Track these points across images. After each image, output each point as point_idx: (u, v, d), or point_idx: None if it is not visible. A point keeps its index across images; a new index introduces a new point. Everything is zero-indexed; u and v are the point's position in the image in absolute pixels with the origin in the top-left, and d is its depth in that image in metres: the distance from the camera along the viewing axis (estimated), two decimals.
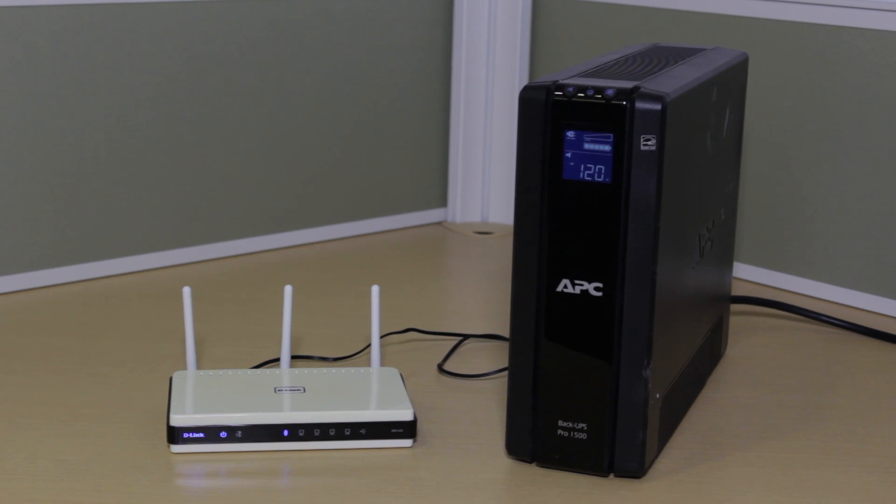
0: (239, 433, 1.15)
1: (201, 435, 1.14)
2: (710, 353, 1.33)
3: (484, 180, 1.92)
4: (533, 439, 1.13)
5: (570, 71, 1.14)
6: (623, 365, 1.08)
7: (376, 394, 1.22)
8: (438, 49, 1.88)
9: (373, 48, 1.81)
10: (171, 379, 1.23)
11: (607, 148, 1.06)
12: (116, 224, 1.64)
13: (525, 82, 1.87)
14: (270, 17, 1.71)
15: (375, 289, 1.27)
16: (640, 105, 1.04)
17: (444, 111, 1.90)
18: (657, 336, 1.09)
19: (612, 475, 1.12)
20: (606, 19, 1.78)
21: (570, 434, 1.11)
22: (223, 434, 1.15)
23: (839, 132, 1.58)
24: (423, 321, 1.48)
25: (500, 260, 1.76)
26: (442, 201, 1.93)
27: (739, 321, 1.52)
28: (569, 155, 1.07)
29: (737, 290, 1.64)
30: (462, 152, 1.90)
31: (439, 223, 1.93)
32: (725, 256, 1.36)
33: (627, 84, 1.07)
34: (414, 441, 1.18)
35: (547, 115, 1.07)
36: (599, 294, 1.08)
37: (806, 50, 1.59)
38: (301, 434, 1.15)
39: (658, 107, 1.04)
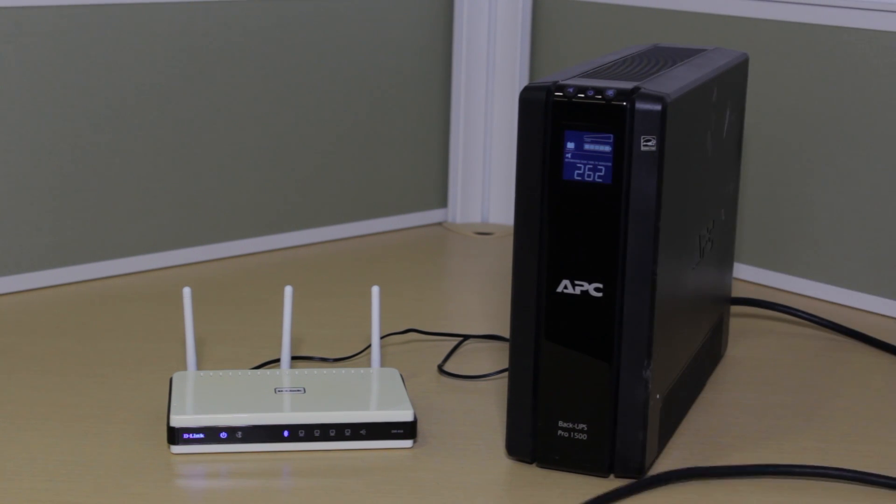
0: (239, 434, 1.15)
1: (201, 435, 1.14)
2: (710, 354, 1.33)
3: (484, 181, 1.92)
4: (533, 440, 1.13)
5: (570, 71, 1.14)
6: (623, 366, 1.08)
7: (376, 394, 1.22)
8: (438, 49, 1.88)
9: (373, 48, 1.81)
10: (171, 379, 1.23)
11: (607, 148, 1.06)
12: (116, 224, 1.64)
13: (525, 82, 1.87)
14: (271, 17, 1.71)
15: (375, 289, 1.27)
16: (640, 106, 1.04)
17: (444, 111, 1.90)
18: (657, 337, 1.09)
19: (612, 476, 1.12)
20: (606, 19, 1.78)
21: (570, 435, 1.11)
22: (223, 435, 1.15)
23: (839, 132, 1.58)
24: (423, 322, 1.48)
25: (500, 260, 1.76)
26: (442, 202, 1.93)
27: (739, 322, 1.52)
28: (569, 155, 1.07)
29: (737, 291, 1.64)
30: (462, 152, 1.90)
31: (439, 224, 1.93)
32: (725, 257, 1.36)
33: (628, 85, 1.07)
34: (414, 442, 1.18)
35: (547, 116, 1.07)
36: (599, 295, 1.08)
37: (806, 50, 1.59)
38: (301, 435, 1.15)
39: (658, 107, 1.04)
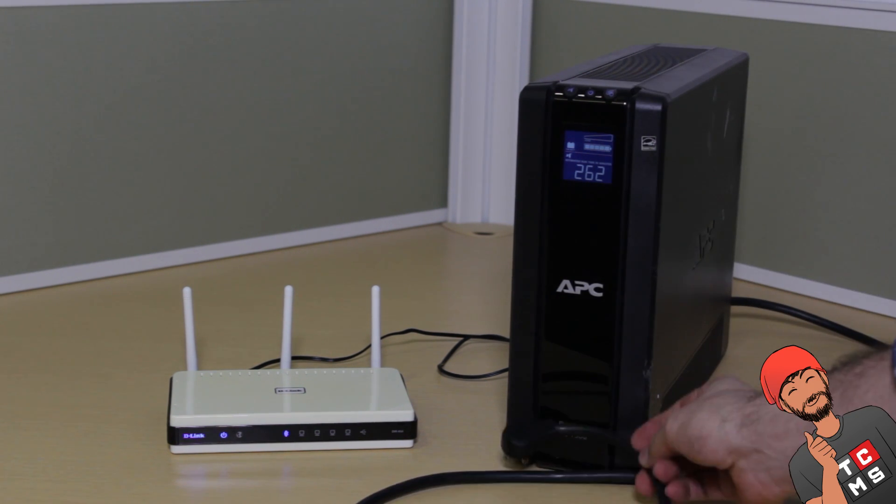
0: (239, 434, 1.15)
1: (201, 436, 1.14)
2: (710, 354, 1.33)
3: (484, 181, 1.92)
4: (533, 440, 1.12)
5: (570, 71, 1.14)
6: (623, 366, 1.08)
7: (377, 394, 1.22)
8: (438, 49, 1.88)
9: (373, 48, 1.81)
10: (171, 379, 1.23)
11: (608, 148, 1.06)
12: (116, 224, 1.64)
13: (525, 82, 1.87)
14: (271, 17, 1.71)
15: (376, 289, 1.27)
16: (640, 106, 1.04)
17: (444, 111, 1.90)
18: (657, 337, 1.09)
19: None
20: (606, 19, 1.78)
21: (570, 435, 1.11)
22: (223, 435, 1.15)
23: (839, 132, 1.58)
24: (423, 322, 1.48)
25: (500, 260, 1.76)
26: (442, 202, 1.93)
27: (740, 322, 1.52)
28: (569, 155, 1.07)
29: (737, 291, 1.64)
30: (462, 152, 1.90)
31: (439, 224, 1.93)
32: (725, 257, 1.36)
33: (628, 85, 1.07)
34: (414, 442, 1.17)
35: (547, 116, 1.07)
36: (600, 295, 1.08)
37: (806, 50, 1.59)
38: (301, 435, 1.15)
39: (658, 107, 1.04)
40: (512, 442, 1.09)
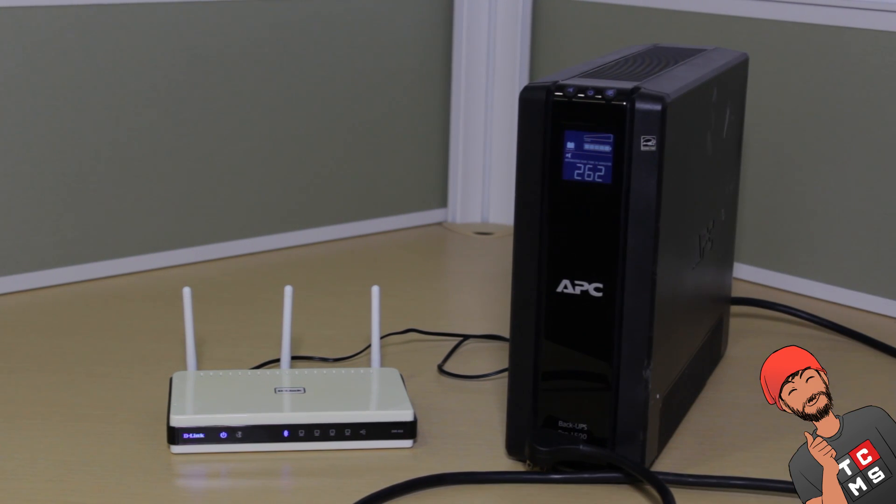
0: (239, 434, 1.15)
1: (201, 435, 1.14)
2: (710, 354, 1.33)
3: (484, 180, 1.92)
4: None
5: (570, 71, 1.14)
6: (623, 365, 1.08)
7: (376, 394, 1.22)
8: (438, 49, 1.88)
9: (373, 48, 1.81)
10: (171, 379, 1.23)
11: (607, 148, 1.06)
12: (116, 224, 1.64)
13: (525, 82, 1.87)
14: (271, 17, 1.71)
15: (375, 289, 1.27)
16: (640, 105, 1.04)
17: (444, 111, 1.90)
18: (657, 337, 1.09)
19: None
20: (606, 19, 1.78)
21: (570, 434, 1.11)
22: (223, 434, 1.15)
23: (839, 132, 1.58)
24: (423, 321, 1.48)
25: (500, 260, 1.76)
26: (442, 202, 1.93)
27: (739, 322, 1.52)
28: (569, 155, 1.07)
29: (737, 291, 1.64)
30: (462, 152, 1.90)
31: (439, 223, 1.93)
32: (725, 257, 1.36)
33: (627, 84, 1.07)
34: (414, 441, 1.18)
35: (547, 116, 1.07)
36: (599, 294, 1.08)
37: (806, 50, 1.59)
38: (301, 434, 1.15)
39: (658, 107, 1.04)
40: (537, 448, 1.08)
